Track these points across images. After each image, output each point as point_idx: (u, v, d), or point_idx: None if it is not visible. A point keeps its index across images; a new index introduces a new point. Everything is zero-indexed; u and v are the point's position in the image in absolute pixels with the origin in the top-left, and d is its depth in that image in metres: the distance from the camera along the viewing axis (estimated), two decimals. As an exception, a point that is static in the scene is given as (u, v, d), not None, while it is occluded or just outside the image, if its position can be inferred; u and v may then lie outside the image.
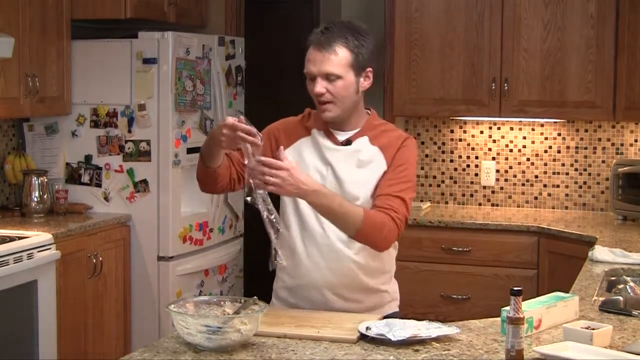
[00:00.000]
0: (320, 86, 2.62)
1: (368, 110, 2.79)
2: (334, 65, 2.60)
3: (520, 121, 5.17)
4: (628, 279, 3.22)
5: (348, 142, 2.72)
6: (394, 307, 2.84)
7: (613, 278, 3.25)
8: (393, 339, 2.27)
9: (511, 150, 5.25)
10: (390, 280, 2.84)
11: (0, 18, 4.22)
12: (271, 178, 2.41)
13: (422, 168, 5.38)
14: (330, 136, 2.73)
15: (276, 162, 2.44)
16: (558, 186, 5.19)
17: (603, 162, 5.10)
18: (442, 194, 5.38)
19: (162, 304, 4.75)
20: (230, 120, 2.46)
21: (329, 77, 2.61)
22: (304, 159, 2.72)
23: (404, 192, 2.64)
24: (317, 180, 2.62)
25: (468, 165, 5.33)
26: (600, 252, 3.52)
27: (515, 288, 2.17)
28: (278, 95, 6.33)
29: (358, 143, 2.71)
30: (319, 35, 2.63)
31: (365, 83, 2.69)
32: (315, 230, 2.68)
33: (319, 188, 2.51)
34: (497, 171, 5.28)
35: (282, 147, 2.54)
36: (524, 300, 2.21)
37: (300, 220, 2.71)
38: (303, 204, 2.65)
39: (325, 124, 2.72)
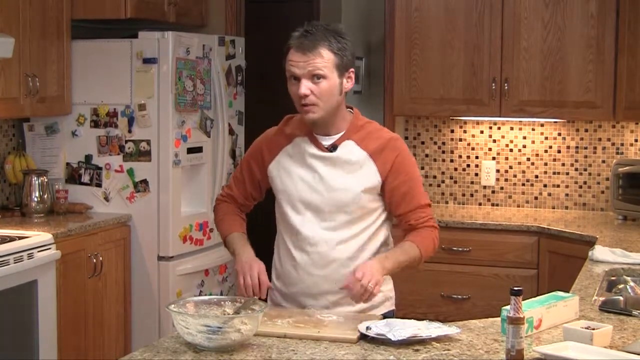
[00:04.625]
0: (304, 87, 2.59)
1: (350, 109, 2.77)
2: (320, 66, 2.59)
3: (521, 121, 5.17)
4: (628, 278, 3.22)
5: (334, 147, 2.69)
6: (389, 306, 2.82)
7: (613, 278, 3.25)
8: (393, 338, 2.27)
9: (511, 150, 5.25)
10: (383, 280, 2.83)
11: (0, 18, 4.22)
12: (368, 294, 2.56)
13: (422, 168, 5.38)
14: (315, 142, 2.71)
15: (354, 282, 2.56)
16: (558, 186, 5.19)
17: (603, 162, 5.09)
18: (442, 194, 5.38)
19: (162, 304, 4.75)
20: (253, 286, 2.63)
21: (314, 78, 2.59)
22: (287, 169, 2.73)
23: (423, 198, 2.77)
24: (305, 190, 2.68)
25: (468, 165, 5.33)
26: (600, 252, 3.52)
27: (515, 288, 2.17)
28: (278, 95, 6.26)
29: (344, 147, 2.69)
30: (301, 38, 2.61)
31: (348, 84, 2.67)
32: (305, 239, 2.69)
33: (383, 262, 2.64)
34: (497, 171, 5.28)
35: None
36: (524, 300, 2.21)
37: (292, 231, 2.72)
38: (293, 214, 2.69)
39: (309, 129, 2.71)
